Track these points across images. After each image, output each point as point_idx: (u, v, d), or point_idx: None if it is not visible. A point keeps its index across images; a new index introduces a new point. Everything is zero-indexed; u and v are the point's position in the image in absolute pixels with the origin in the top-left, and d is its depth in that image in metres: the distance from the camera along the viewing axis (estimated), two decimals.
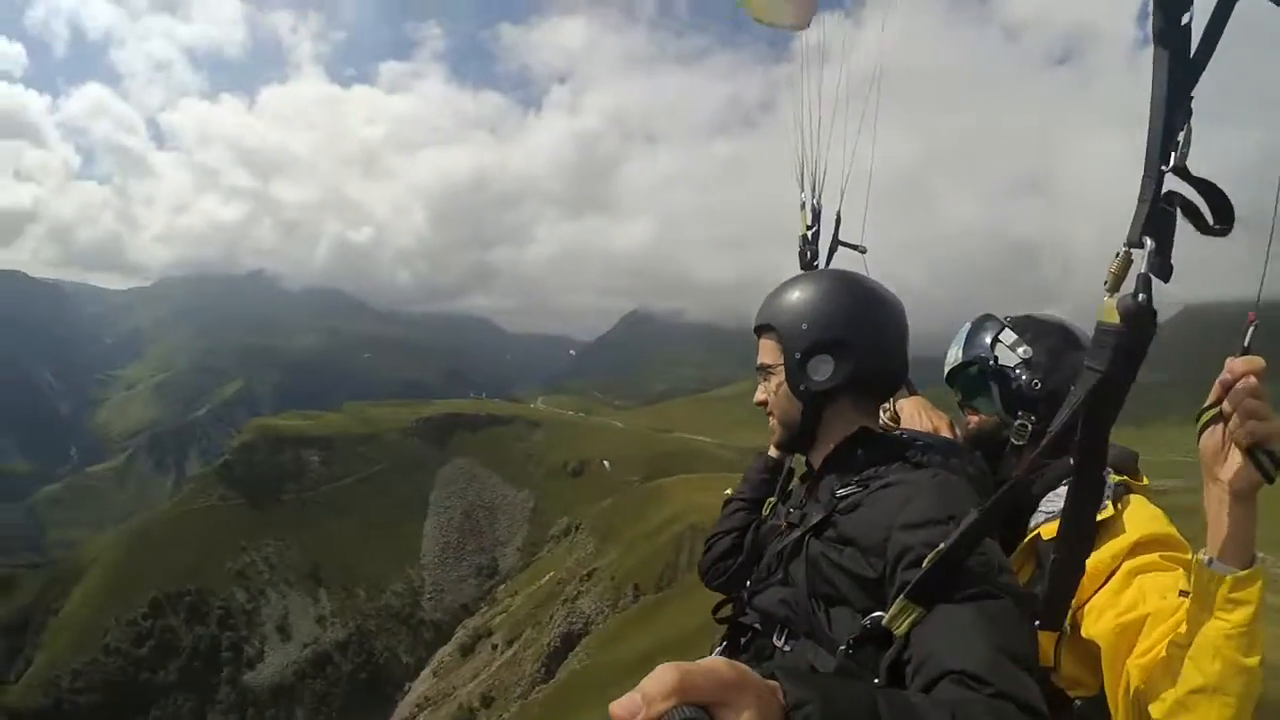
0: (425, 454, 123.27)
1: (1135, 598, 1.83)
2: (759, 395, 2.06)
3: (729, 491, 2.58)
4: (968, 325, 2.50)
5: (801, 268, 2.99)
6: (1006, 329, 2.39)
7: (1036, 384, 2.29)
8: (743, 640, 1.98)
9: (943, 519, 1.53)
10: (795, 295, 1.95)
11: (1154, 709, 1.61)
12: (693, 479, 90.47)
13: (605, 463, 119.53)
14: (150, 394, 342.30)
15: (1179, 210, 1.38)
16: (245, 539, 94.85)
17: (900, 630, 1.38)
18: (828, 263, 3.00)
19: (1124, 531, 1.94)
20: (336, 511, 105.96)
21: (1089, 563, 1.82)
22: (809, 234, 3.04)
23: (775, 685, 0.85)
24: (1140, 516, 2.01)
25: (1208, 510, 1.49)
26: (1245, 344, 1.42)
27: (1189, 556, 1.78)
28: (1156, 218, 1.37)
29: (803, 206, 3.07)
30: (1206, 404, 1.46)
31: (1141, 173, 1.40)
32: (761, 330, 2.02)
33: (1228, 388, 1.42)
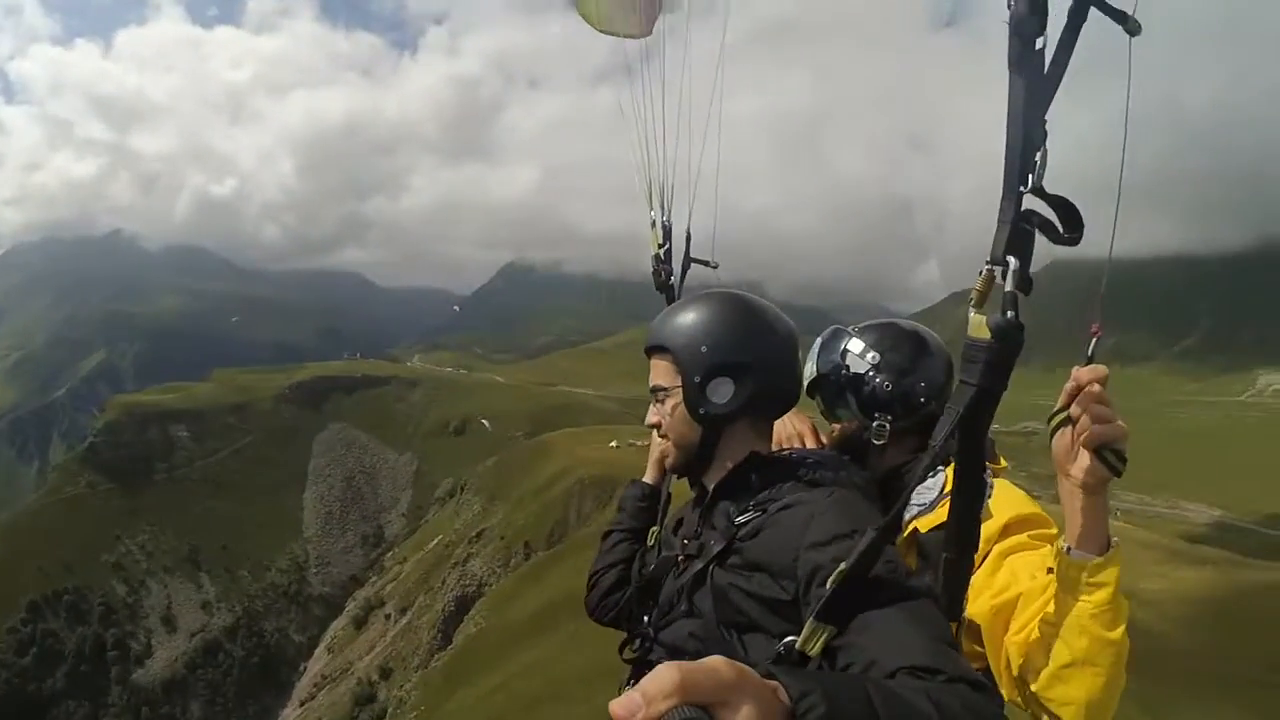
0: (300, 421, 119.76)
1: (1008, 579, 1.94)
2: (652, 418, 2.03)
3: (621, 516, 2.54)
4: (819, 340, 2.62)
5: (657, 287, 3.01)
6: (854, 338, 2.54)
7: (888, 385, 2.43)
8: None
9: (847, 533, 1.57)
10: (691, 318, 1.93)
11: (1033, 683, 1.73)
12: (578, 432, 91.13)
13: (484, 421, 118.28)
14: (7, 374, 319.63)
15: (1037, 229, 1.46)
16: (119, 527, 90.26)
17: (814, 651, 1.41)
18: (681, 280, 3.01)
19: (992, 516, 2.03)
20: (211, 488, 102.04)
21: None
22: (661, 252, 3.06)
23: (774, 683, 0.86)
24: (1006, 500, 2.12)
25: (1063, 504, 1.63)
26: (1090, 354, 1.55)
27: (1054, 531, 2.02)
28: (1017, 237, 1.44)
29: (653, 225, 3.09)
30: (1056, 409, 1.57)
31: (1001, 195, 1.47)
32: (654, 351, 1.99)
33: (1074, 394, 1.53)
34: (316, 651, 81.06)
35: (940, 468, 2.20)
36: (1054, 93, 1.44)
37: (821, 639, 1.40)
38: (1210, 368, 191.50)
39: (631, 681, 1.93)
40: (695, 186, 2.92)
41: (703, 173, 2.89)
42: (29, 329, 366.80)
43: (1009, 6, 1.43)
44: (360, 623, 75.72)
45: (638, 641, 1.99)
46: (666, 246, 3.05)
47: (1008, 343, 1.44)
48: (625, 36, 3.45)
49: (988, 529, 1.98)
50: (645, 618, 2.00)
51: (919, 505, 2.21)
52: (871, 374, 2.45)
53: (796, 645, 1.43)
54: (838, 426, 2.59)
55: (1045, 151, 1.44)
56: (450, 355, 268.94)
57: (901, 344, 2.50)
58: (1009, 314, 1.44)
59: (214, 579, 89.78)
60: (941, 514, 2.04)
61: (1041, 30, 1.42)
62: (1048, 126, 1.45)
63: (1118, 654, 1.64)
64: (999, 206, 1.48)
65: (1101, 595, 1.60)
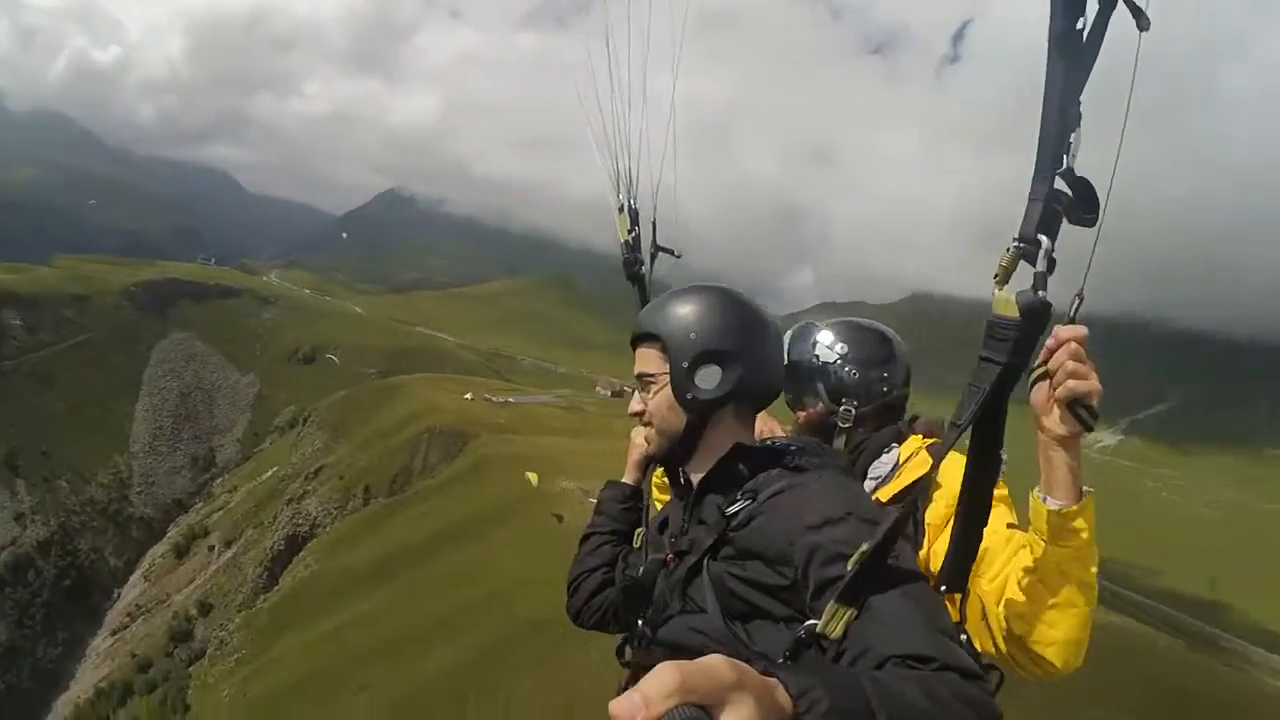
0: (142, 324, 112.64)
1: None
2: (635, 406, 2.05)
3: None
4: (789, 333, 2.79)
5: (628, 277, 2.97)
6: (824, 331, 2.73)
7: (854, 374, 2.64)
8: None
9: (841, 515, 1.59)
10: (680, 307, 1.97)
11: (1015, 625, 1.86)
12: (433, 378, 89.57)
13: (333, 357, 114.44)
14: None
15: (1063, 209, 1.49)
16: None
17: (836, 634, 1.41)
18: (650, 269, 2.97)
19: (942, 486, 2.17)
20: (39, 385, 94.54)
21: (928, 517, 2.18)
22: (630, 239, 2.99)
23: (773, 682, 0.86)
24: (957, 469, 2.18)
25: (1040, 455, 1.71)
26: (1072, 315, 1.60)
27: (1004, 493, 2.19)
28: (1048, 216, 1.46)
29: (620, 210, 3.01)
30: (1036, 364, 1.62)
31: (1034, 174, 1.48)
32: (641, 340, 2.02)
33: (1052, 351, 1.60)
34: (132, 578, 77.05)
35: (894, 444, 2.48)
36: (1089, 75, 1.45)
37: (843, 621, 1.41)
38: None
39: (629, 686, 1.91)
40: (661, 171, 2.90)
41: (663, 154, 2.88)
42: None
43: None
44: (182, 551, 72.54)
45: (636, 643, 1.99)
46: (635, 233, 3.00)
47: (1038, 321, 1.48)
48: None
49: (949, 495, 2.09)
50: (639, 621, 1.99)
51: (874, 479, 2.42)
52: (839, 363, 2.64)
53: (818, 629, 1.44)
54: (802, 415, 2.75)
55: (1079, 133, 1.46)
56: (310, 276, 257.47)
57: (867, 339, 2.71)
58: (1039, 293, 1.47)
59: (30, 487, 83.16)
60: (896, 486, 2.32)
61: (1083, 10, 1.43)
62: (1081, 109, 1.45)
63: (1092, 594, 1.80)
64: (1030, 186, 1.48)
65: (1079, 540, 1.72)
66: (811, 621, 1.47)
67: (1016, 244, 1.49)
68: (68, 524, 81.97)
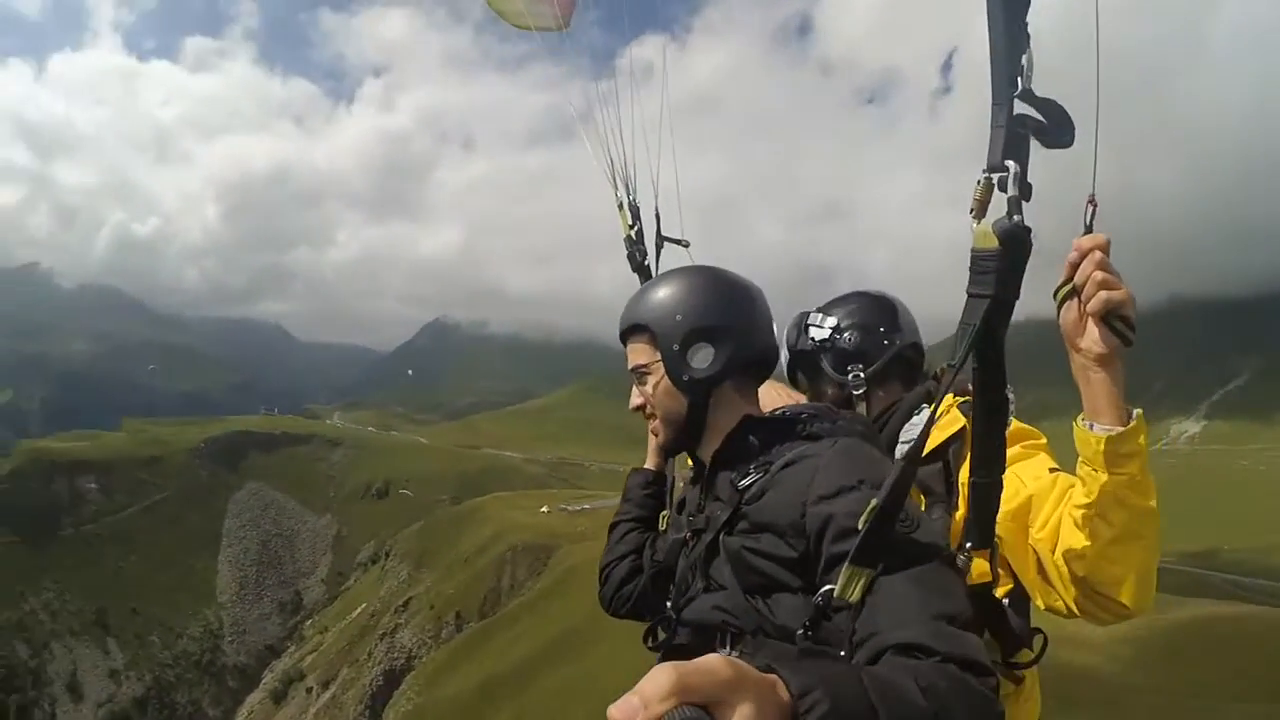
0: (215, 478, 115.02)
1: (1016, 486, 1.95)
2: (635, 400, 2.04)
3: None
4: (785, 331, 2.76)
5: (633, 269, 3.03)
6: (813, 313, 2.71)
7: (853, 339, 2.60)
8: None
9: (853, 484, 1.55)
10: (661, 293, 1.97)
11: (1077, 567, 1.72)
12: (507, 496, 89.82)
13: (406, 491, 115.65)
14: None
15: (1031, 132, 1.45)
16: (22, 583, 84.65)
17: (854, 597, 1.38)
18: (657, 258, 3.03)
19: None
20: (121, 547, 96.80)
21: (962, 476, 1.95)
22: (633, 233, 3.07)
23: (773, 679, 0.85)
24: None
25: (1078, 380, 1.61)
26: (1088, 224, 1.54)
27: (1043, 441, 2.15)
28: (1014, 141, 1.43)
29: (621, 207, 3.10)
30: (1060, 282, 1.57)
31: (991, 102, 1.45)
32: (629, 334, 2.02)
33: (1076, 264, 1.54)
34: None
35: (924, 405, 2.32)
36: None
37: (860, 583, 1.38)
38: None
39: None
40: (659, 165, 2.98)
41: (662, 151, 2.98)
42: None
43: None
44: (279, 696, 72.39)
45: (663, 626, 1.97)
46: (637, 227, 3.06)
47: (1018, 246, 1.42)
48: (540, 30, 3.46)
49: None
50: (667, 603, 1.97)
51: (906, 441, 2.24)
52: (834, 335, 2.61)
53: (836, 593, 1.41)
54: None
55: (1030, 53, 1.44)
56: (371, 414, 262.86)
57: (858, 304, 2.67)
58: (1015, 217, 1.43)
59: (123, 645, 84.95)
60: (928, 444, 2.13)
61: None
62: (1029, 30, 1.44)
63: (1156, 522, 1.66)
64: (990, 112, 1.46)
65: (1133, 465, 1.60)
66: (829, 587, 1.44)
67: (985, 174, 1.46)
68: (162, 678, 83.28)
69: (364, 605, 76.83)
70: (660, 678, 0.74)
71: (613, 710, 0.74)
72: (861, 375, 2.54)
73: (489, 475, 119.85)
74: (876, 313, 2.62)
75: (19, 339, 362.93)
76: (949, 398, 2.19)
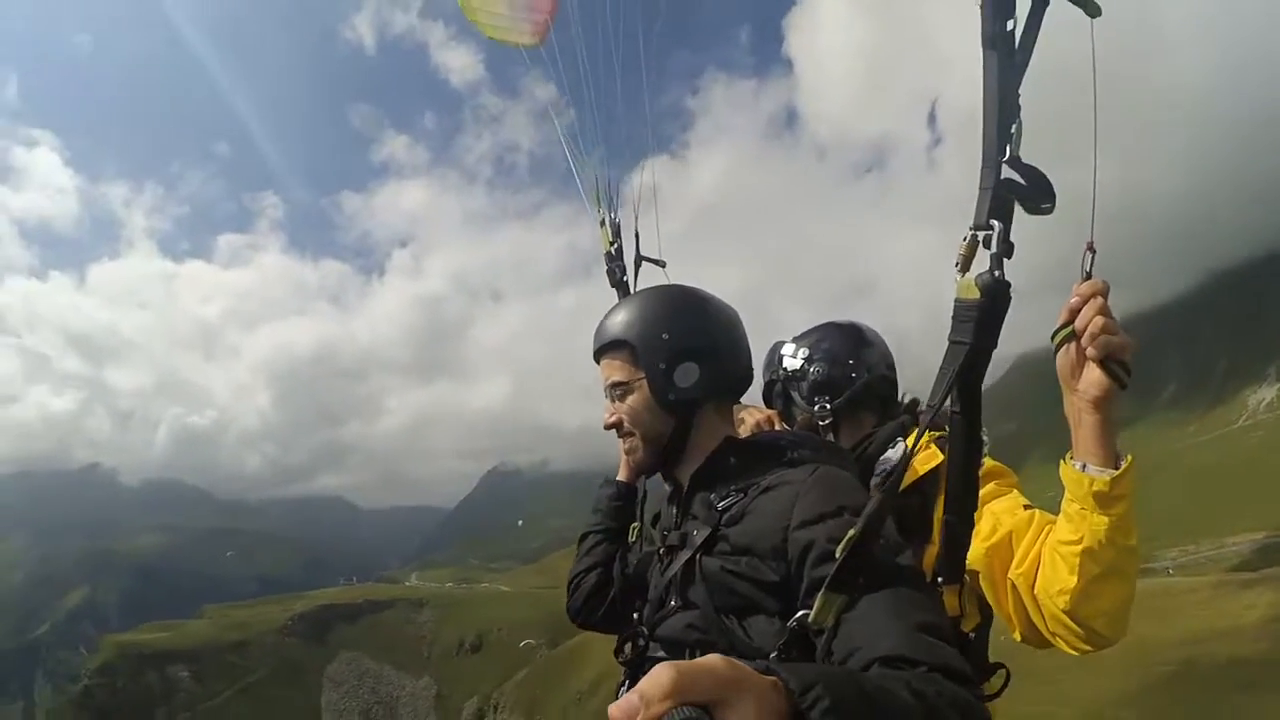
0: (306, 654, 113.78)
1: (993, 523, 2.01)
2: (610, 418, 1.99)
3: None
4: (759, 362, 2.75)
5: (612, 285, 3.05)
6: (786, 344, 2.76)
7: (821, 371, 2.63)
8: None
9: (834, 511, 1.56)
10: (643, 310, 1.93)
11: (1060, 602, 1.75)
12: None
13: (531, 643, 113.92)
14: None
15: (1015, 195, 1.54)
16: None
17: (828, 622, 1.39)
18: (635, 277, 3.04)
19: None
20: None
21: (938, 512, 2.03)
22: (612, 249, 3.11)
23: (773, 680, 0.85)
24: None
25: (1071, 421, 1.67)
26: (1087, 271, 1.58)
27: (1014, 479, 2.20)
28: (999, 203, 1.53)
29: (602, 224, 3.15)
30: (1058, 325, 1.61)
31: (981, 165, 1.56)
32: (606, 350, 1.98)
33: (1076, 310, 1.58)
34: None
35: (899, 438, 2.36)
36: (1025, 70, 1.55)
37: (834, 609, 1.39)
38: (1199, 406, 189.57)
39: (626, 685, 1.90)
40: (641, 186, 3.08)
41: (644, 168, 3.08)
42: (5, 566, 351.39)
43: None
44: None
45: (633, 642, 1.91)
46: (618, 244, 3.10)
47: (997, 299, 1.52)
48: (516, 46, 3.48)
49: None
50: (635, 615, 1.96)
51: (880, 474, 2.30)
52: (805, 366, 2.66)
53: (810, 619, 1.41)
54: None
55: (1020, 124, 1.54)
56: (447, 571, 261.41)
57: (828, 336, 2.71)
58: (996, 273, 1.53)
59: None
60: (905, 479, 2.14)
61: (1011, 13, 1.54)
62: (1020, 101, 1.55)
63: (1136, 559, 1.71)
64: (979, 174, 1.56)
65: (1121, 508, 1.64)
66: (803, 611, 1.45)
67: (972, 232, 1.55)
68: None
69: None
70: (661, 677, 0.73)
71: (613, 709, 0.73)
72: (828, 406, 2.60)
73: None
74: (845, 344, 2.68)
75: (88, 538, 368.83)
76: (926, 434, 2.23)
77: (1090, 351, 1.57)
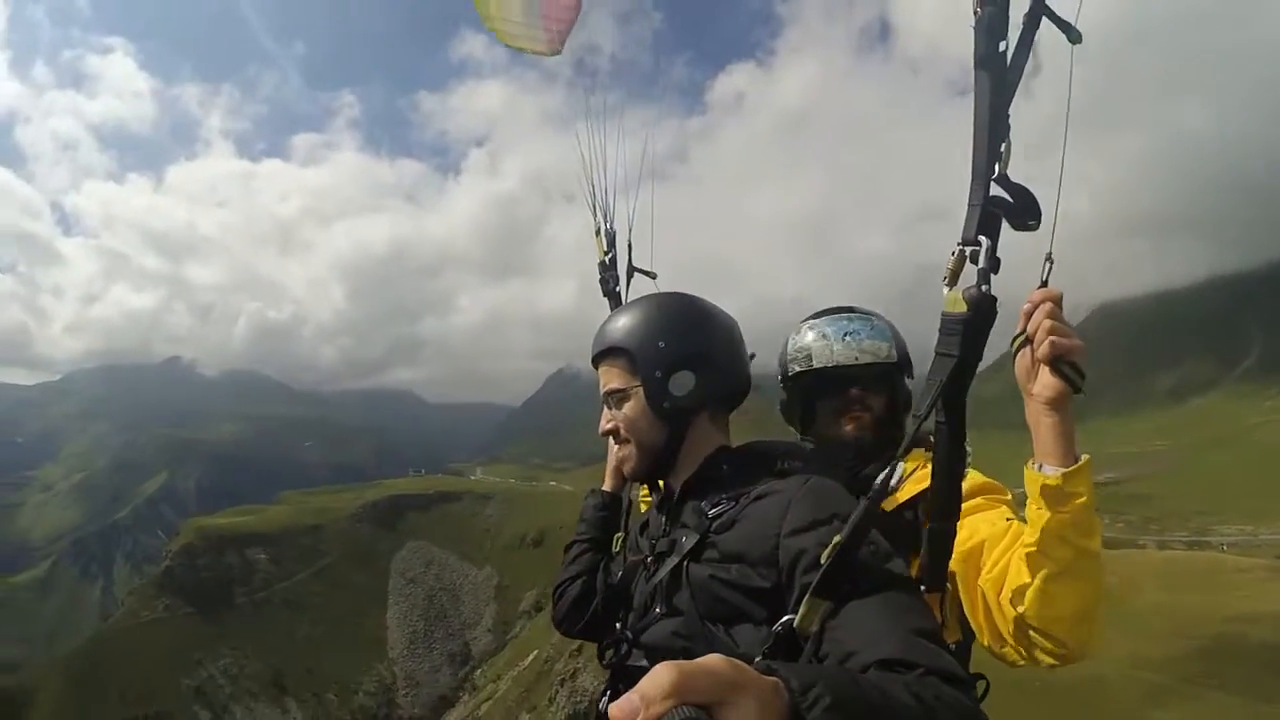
0: (377, 540, 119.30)
1: (970, 531, 2.02)
2: (606, 424, 2.01)
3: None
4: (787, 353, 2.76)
5: (604, 294, 3.08)
6: (862, 328, 2.64)
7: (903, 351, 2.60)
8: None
9: (825, 519, 1.57)
10: (641, 317, 1.95)
11: (1017, 604, 1.76)
12: None
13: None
14: (69, 495, 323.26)
15: (1003, 212, 1.58)
16: (200, 651, 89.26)
17: (813, 627, 1.40)
18: (627, 288, 3.07)
19: None
20: (293, 611, 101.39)
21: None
22: (606, 259, 3.12)
23: (774, 680, 0.85)
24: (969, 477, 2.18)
25: (1030, 423, 1.68)
26: (1044, 280, 1.64)
27: (1008, 496, 2.18)
28: (987, 219, 1.57)
29: (597, 233, 3.19)
30: (1017, 331, 1.67)
31: (971, 181, 1.60)
32: (605, 356, 2.00)
33: (1029, 315, 1.65)
34: None
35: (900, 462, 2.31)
36: (1015, 90, 1.58)
37: (818, 614, 1.40)
38: (1278, 381, 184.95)
39: (609, 693, 1.90)
40: (636, 199, 3.11)
41: (639, 181, 3.10)
42: (89, 453, 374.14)
43: (975, 13, 1.58)
44: None
45: (615, 647, 1.90)
46: (611, 254, 3.13)
47: (983, 313, 1.54)
48: (533, 54, 3.51)
49: None
50: (619, 624, 1.95)
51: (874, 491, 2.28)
52: (899, 348, 2.62)
53: (795, 624, 1.42)
54: (866, 415, 2.66)
55: (1010, 143, 1.57)
56: (511, 467, 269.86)
57: (877, 317, 2.69)
58: (983, 287, 1.55)
59: (301, 704, 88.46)
60: (900, 496, 2.23)
61: (1004, 35, 1.57)
62: (1010, 122, 1.59)
63: (1097, 565, 1.70)
64: (969, 191, 1.60)
65: (1078, 504, 1.64)
66: (788, 616, 1.45)
67: (960, 246, 1.58)
68: None
69: (535, 652, 77.48)
70: (660, 677, 0.73)
71: (613, 709, 0.73)
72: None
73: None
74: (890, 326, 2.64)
75: (169, 427, 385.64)
76: (920, 454, 2.29)
77: (1040, 353, 1.62)
